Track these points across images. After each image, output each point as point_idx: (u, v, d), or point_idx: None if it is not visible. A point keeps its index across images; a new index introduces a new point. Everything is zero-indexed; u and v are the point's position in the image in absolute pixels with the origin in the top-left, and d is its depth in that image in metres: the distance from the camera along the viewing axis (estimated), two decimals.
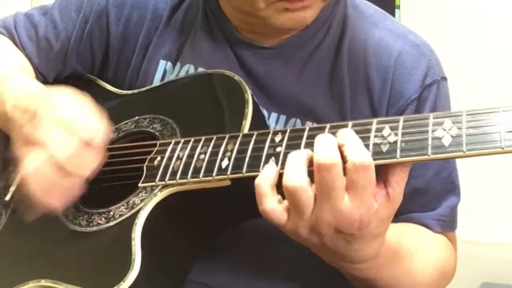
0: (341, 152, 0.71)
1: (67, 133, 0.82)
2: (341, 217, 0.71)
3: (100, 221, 0.86)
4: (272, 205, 0.73)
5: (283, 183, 0.72)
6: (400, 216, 0.95)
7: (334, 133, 0.74)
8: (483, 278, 2.25)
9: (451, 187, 0.99)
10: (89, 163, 0.83)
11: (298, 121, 0.97)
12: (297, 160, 0.73)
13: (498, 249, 2.29)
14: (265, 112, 0.97)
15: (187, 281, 0.89)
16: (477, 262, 2.22)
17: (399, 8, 2.36)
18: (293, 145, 0.77)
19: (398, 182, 0.73)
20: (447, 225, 0.99)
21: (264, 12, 0.91)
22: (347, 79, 0.97)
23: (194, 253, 0.89)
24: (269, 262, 0.97)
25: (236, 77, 0.91)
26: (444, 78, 1.00)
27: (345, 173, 0.71)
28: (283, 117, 0.98)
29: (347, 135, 0.73)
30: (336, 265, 0.82)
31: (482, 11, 2.35)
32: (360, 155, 0.70)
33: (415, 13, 2.34)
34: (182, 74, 1.02)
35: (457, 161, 0.99)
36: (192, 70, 1.01)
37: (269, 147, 0.78)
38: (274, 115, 0.98)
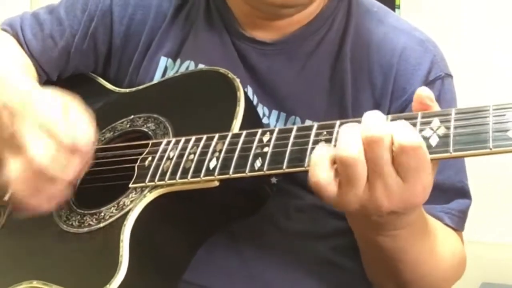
0: None
1: (47, 137, 0.81)
2: (398, 200, 0.70)
3: (91, 222, 0.86)
4: (327, 175, 0.70)
5: (338, 155, 0.69)
6: None
7: (321, 133, 0.72)
8: (483, 278, 2.24)
9: (462, 192, 0.97)
10: (71, 166, 0.82)
11: (298, 119, 0.96)
12: (351, 133, 0.70)
13: (498, 249, 2.28)
14: (265, 110, 0.97)
15: (183, 282, 0.89)
16: (477, 262, 2.20)
17: (399, 8, 2.35)
18: (280, 145, 0.76)
19: None
20: (456, 221, 0.96)
21: None
22: (349, 74, 0.97)
23: (187, 254, 0.89)
24: (265, 264, 0.96)
25: (230, 75, 0.90)
26: (449, 75, 1.00)
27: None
28: (283, 115, 0.97)
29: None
30: (367, 232, 0.80)
31: (483, 11, 2.34)
32: (408, 136, 0.68)
33: (415, 13, 2.33)
34: (182, 70, 1.01)
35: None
36: (192, 66, 1.01)
37: (257, 147, 0.77)
38: (274, 113, 0.97)
